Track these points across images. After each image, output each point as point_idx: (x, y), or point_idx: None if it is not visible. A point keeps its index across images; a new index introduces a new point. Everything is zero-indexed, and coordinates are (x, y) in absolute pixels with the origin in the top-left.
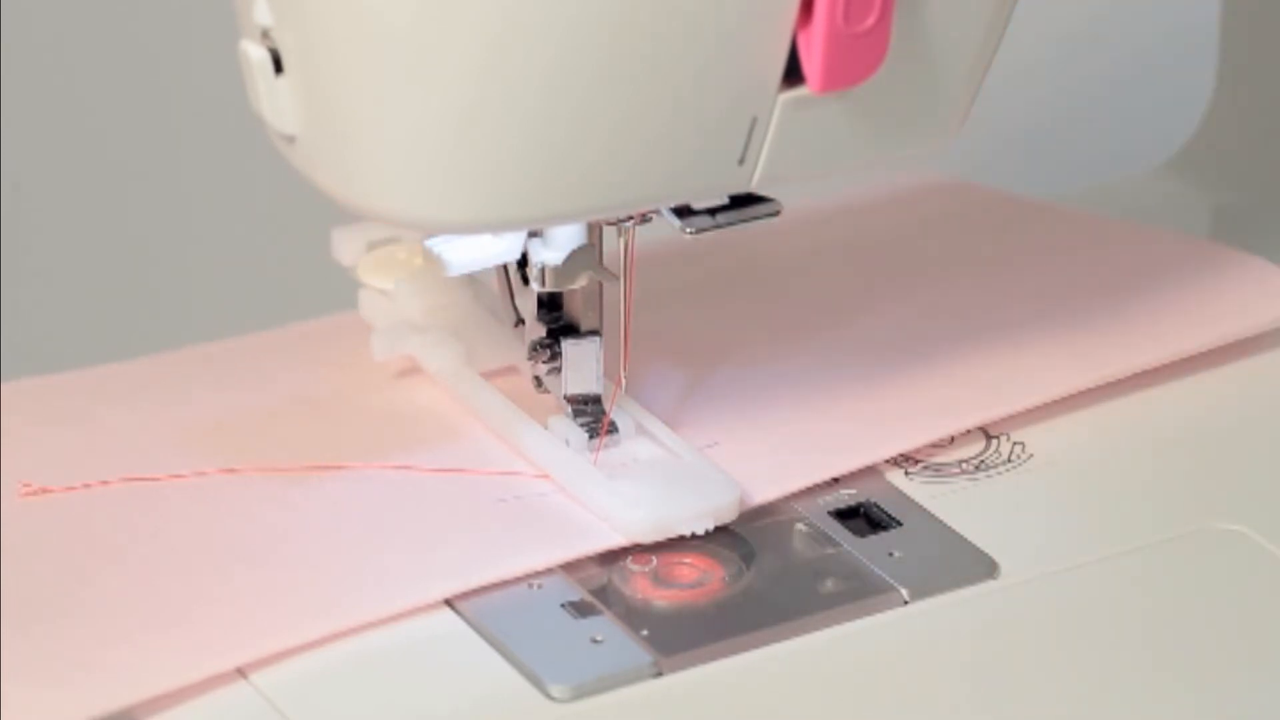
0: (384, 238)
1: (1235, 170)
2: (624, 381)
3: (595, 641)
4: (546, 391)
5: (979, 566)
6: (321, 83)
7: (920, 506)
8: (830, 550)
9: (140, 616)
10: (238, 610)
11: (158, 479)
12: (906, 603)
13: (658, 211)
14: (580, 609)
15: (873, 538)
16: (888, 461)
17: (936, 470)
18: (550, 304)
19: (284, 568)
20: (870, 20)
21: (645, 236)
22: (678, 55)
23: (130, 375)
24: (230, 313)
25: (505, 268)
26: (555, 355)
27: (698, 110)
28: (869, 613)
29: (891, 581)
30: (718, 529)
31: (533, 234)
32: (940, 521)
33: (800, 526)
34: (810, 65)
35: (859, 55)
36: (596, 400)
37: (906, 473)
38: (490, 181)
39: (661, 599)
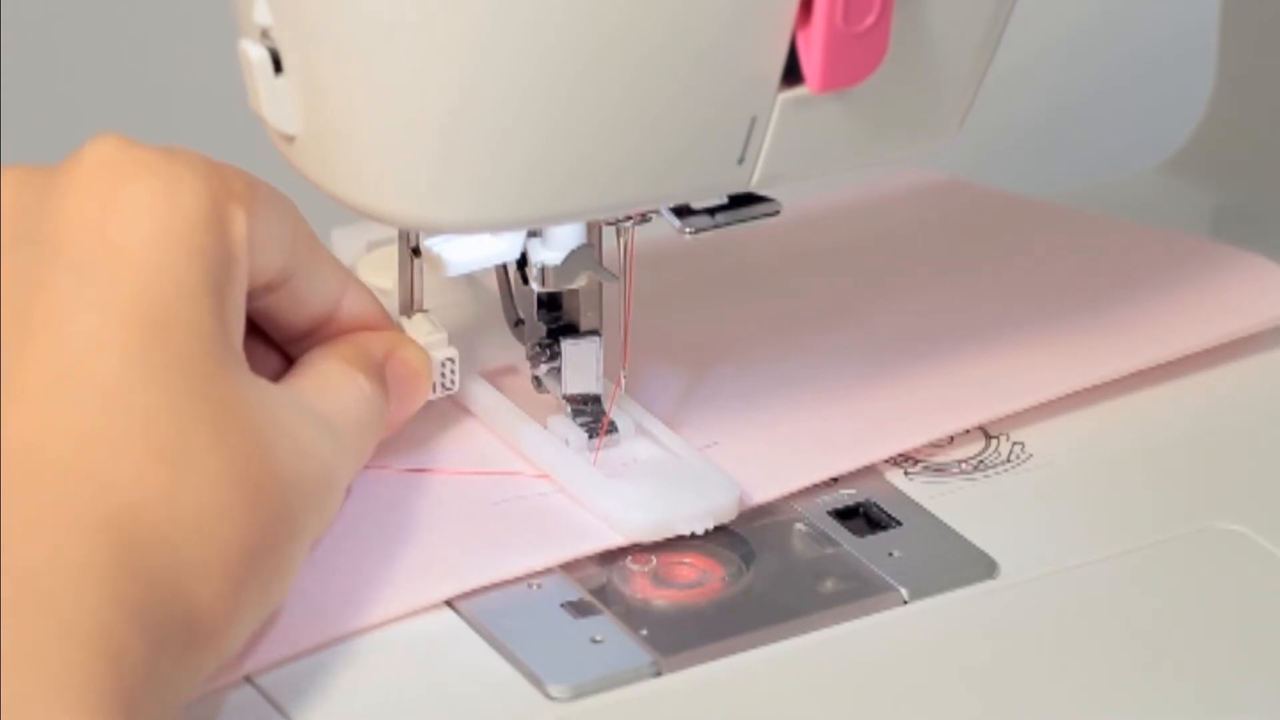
0: (384, 238)
1: (1235, 170)
2: (624, 381)
3: (595, 641)
4: (546, 391)
5: (979, 566)
6: (321, 83)
7: (920, 506)
8: (830, 550)
9: None
10: None
11: None
12: (906, 603)
13: (657, 211)
14: (580, 609)
15: (872, 538)
16: (888, 461)
17: (936, 470)
18: (550, 304)
19: None
20: (870, 20)
21: (645, 236)
22: (677, 55)
23: None
24: None
25: (505, 268)
26: (555, 355)
27: (697, 110)
28: (869, 613)
29: (891, 581)
30: (717, 529)
31: (532, 234)
32: (940, 521)
33: (800, 526)
34: (810, 65)
35: (859, 55)
36: (596, 400)
37: (906, 473)
38: (489, 181)
39: (661, 599)
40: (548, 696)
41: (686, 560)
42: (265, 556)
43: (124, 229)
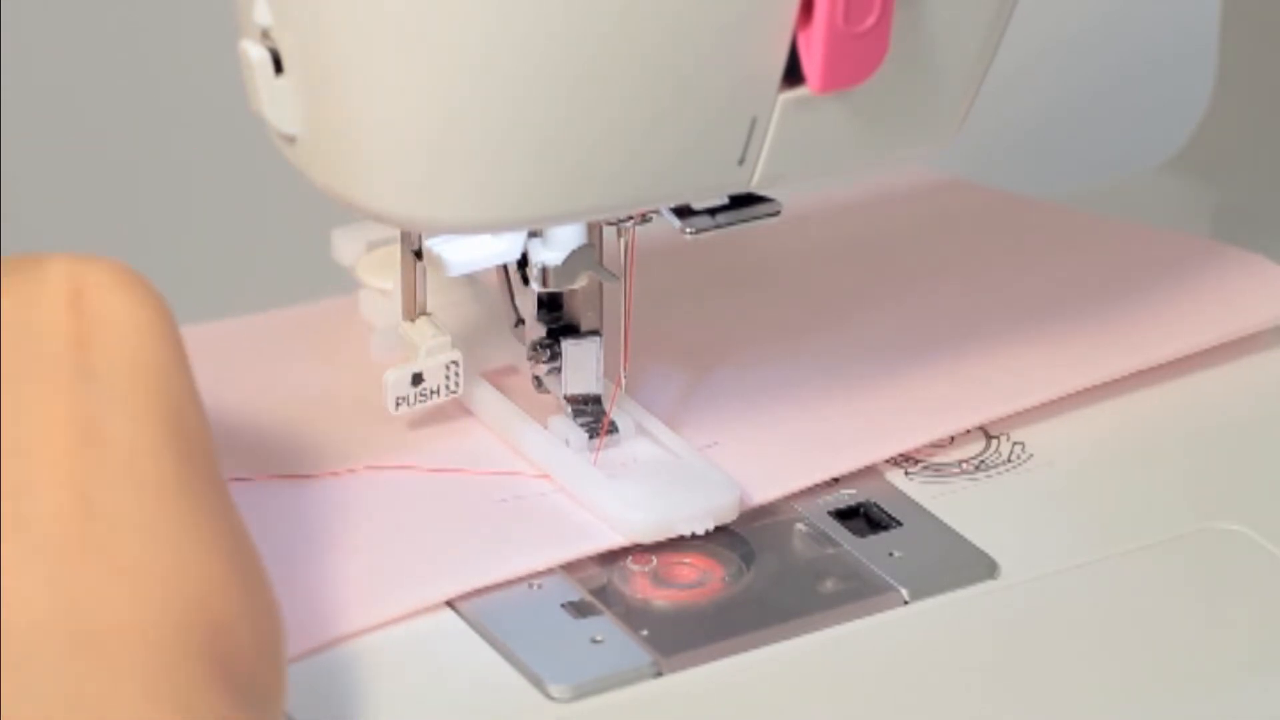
0: (384, 238)
1: (1235, 170)
2: (624, 381)
3: (595, 641)
4: (546, 391)
5: (979, 566)
6: (321, 83)
7: (920, 506)
8: (830, 550)
9: None
10: None
11: None
12: (906, 603)
13: (658, 211)
14: (580, 609)
15: (873, 538)
16: (888, 461)
17: (936, 470)
18: (550, 304)
19: (284, 570)
20: (870, 20)
21: (645, 236)
22: (677, 55)
23: None
24: (230, 313)
25: (505, 268)
26: (555, 355)
27: (697, 110)
28: (869, 613)
29: (891, 581)
30: (718, 529)
31: (533, 234)
32: (940, 521)
33: (800, 526)
34: (810, 65)
35: (859, 55)
36: (596, 400)
37: (906, 473)
38: (489, 181)
39: (661, 599)
40: (548, 696)
41: (687, 560)
42: (280, 619)
43: (121, 340)
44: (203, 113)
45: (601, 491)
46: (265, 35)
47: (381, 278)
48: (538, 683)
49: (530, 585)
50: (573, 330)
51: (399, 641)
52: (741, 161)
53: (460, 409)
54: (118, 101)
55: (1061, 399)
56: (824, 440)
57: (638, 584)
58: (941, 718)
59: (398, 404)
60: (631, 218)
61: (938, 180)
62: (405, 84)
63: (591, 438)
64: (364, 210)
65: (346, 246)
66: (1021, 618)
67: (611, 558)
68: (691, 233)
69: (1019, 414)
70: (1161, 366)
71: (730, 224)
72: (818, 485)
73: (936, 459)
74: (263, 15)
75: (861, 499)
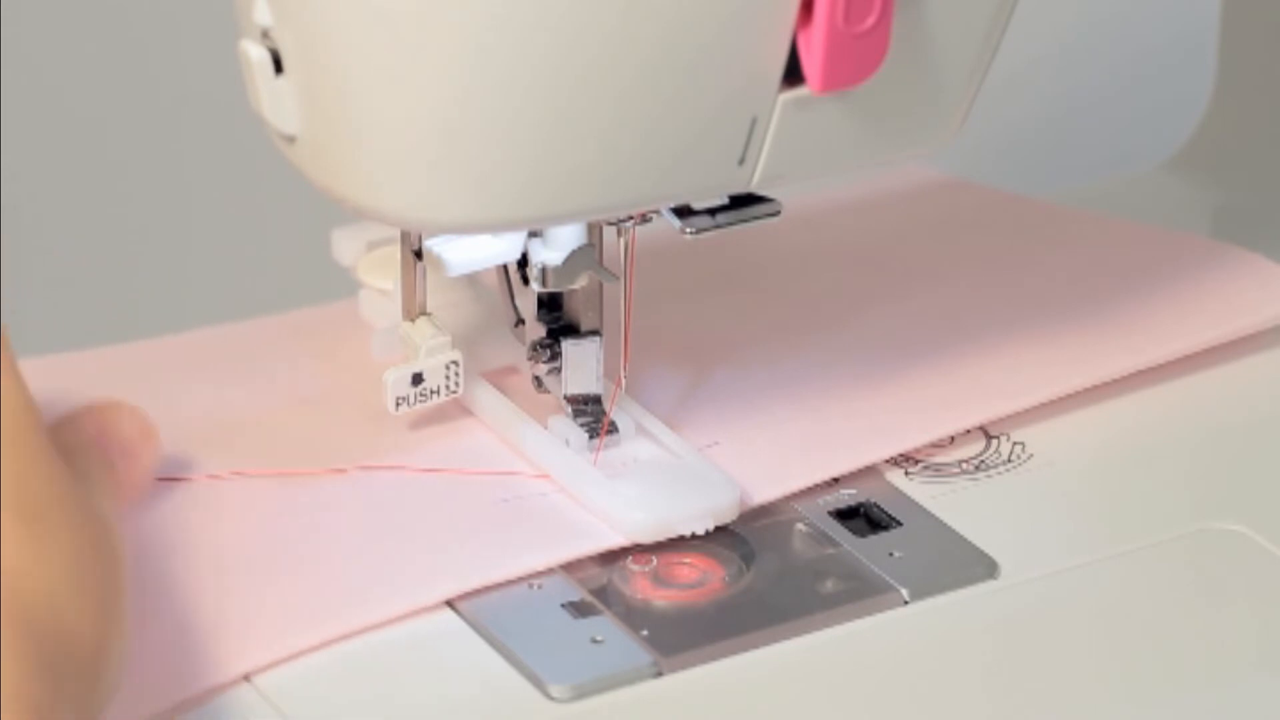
0: (384, 238)
1: (1235, 170)
2: (624, 381)
3: (595, 641)
4: (546, 391)
5: (979, 566)
6: (321, 83)
7: (920, 506)
8: (830, 550)
9: (140, 623)
10: (239, 615)
11: (164, 480)
12: (906, 603)
13: (658, 212)
14: (580, 609)
15: (873, 538)
16: (888, 461)
17: (936, 470)
18: (550, 304)
19: (284, 570)
20: (870, 20)
21: (645, 236)
22: (677, 55)
23: (126, 365)
24: (230, 314)
25: (505, 268)
26: (555, 355)
27: (697, 110)
28: (869, 613)
29: (891, 581)
30: (718, 529)
31: (533, 234)
32: (940, 521)
33: (800, 526)
34: (810, 65)
35: (859, 55)
36: (596, 400)
37: (906, 473)
38: (489, 181)
39: (661, 599)
40: (548, 696)
41: (687, 560)
42: (117, 584)
43: None
44: (203, 113)
45: (601, 491)
46: (265, 35)
47: (381, 278)
48: (538, 683)
49: (530, 585)
50: (573, 330)
51: (399, 641)
52: (741, 161)
53: (460, 409)
54: (118, 101)
55: (1061, 399)
56: (824, 440)
57: (638, 584)
58: (941, 718)
59: (398, 404)
60: (631, 218)
61: (938, 180)
62: (405, 84)
63: (591, 438)
64: (363, 210)
65: (346, 247)
66: (1021, 618)
67: (611, 558)
68: (691, 233)
69: (1019, 414)
70: (1161, 366)
71: (730, 224)
72: (818, 485)
73: (936, 459)
74: (263, 15)
75: (861, 499)
